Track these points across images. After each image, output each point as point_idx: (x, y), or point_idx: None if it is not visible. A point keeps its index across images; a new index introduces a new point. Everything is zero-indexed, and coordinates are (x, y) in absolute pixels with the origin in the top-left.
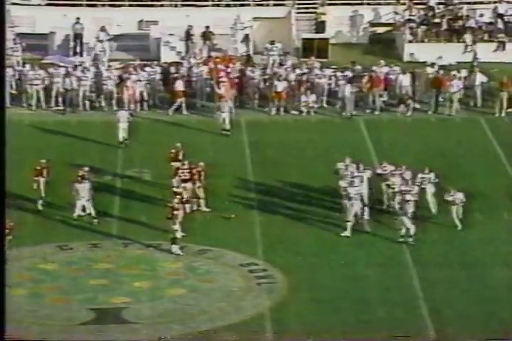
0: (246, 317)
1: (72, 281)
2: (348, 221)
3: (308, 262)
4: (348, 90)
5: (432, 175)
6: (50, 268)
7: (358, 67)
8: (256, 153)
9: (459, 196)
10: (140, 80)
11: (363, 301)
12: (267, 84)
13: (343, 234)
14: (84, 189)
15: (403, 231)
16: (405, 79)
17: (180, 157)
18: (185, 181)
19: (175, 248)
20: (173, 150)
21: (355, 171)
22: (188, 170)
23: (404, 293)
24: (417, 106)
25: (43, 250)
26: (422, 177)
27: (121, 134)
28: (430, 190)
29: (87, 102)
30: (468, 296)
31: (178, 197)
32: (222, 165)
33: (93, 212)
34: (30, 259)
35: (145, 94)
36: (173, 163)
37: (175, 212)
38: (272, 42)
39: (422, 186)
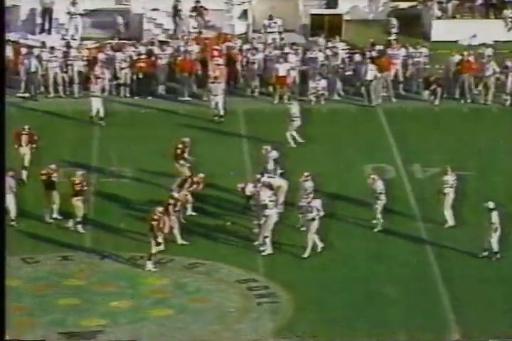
0: None
1: (39, 300)
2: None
3: (317, 278)
4: (371, 74)
5: (451, 177)
6: (13, 284)
7: (379, 48)
8: (255, 149)
9: None
10: (125, 61)
11: (382, 323)
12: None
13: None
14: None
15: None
16: (453, 62)
17: (187, 154)
18: (77, 194)
19: (148, 264)
20: (180, 146)
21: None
22: (79, 183)
23: (431, 314)
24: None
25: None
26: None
27: (95, 109)
28: (449, 196)
29: (61, 88)
30: (508, 318)
31: (169, 206)
32: (216, 162)
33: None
34: None
35: (128, 78)
36: (177, 165)
37: (153, 223)
38: (271, 18)
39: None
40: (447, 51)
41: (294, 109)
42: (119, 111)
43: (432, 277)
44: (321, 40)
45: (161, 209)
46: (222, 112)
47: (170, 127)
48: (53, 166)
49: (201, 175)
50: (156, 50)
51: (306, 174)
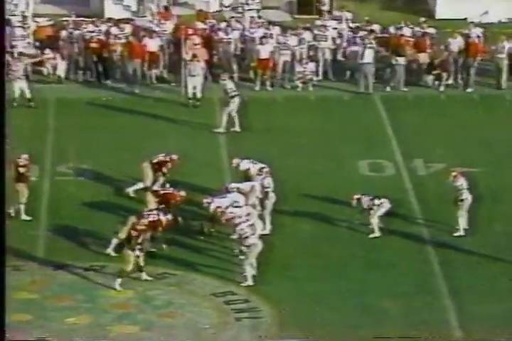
0: None
1: None
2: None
3: (307, 290)
4: (368, 57)
5: (463, 182)
6: None
7: (375, 27)
8: (234, 142)
9: None
10: (84, 40)
11: None
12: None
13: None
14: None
15: None
16: (455, 43)
17: (166, 170)
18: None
19: (118, 281)
20: (162, 158)
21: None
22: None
23: (436, 331)
24: (450, 81)
25: None
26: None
27: (17, 91)
28: (467, 201)
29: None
30: None
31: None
32: (189, 158)
33: None
34: None
35: (88, 61)
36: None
37: (133, 233)
38: None
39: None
40: (455, 30)
41: (230, 84)
42: (76, 98)
43: (437, 289)
44: (347, 14)
45: (146, 221)
46: (199, 95)
47: (135, 117)
48: (26, 156)
49: (182, 193)
50: (114, 29)
51: (262, 168)
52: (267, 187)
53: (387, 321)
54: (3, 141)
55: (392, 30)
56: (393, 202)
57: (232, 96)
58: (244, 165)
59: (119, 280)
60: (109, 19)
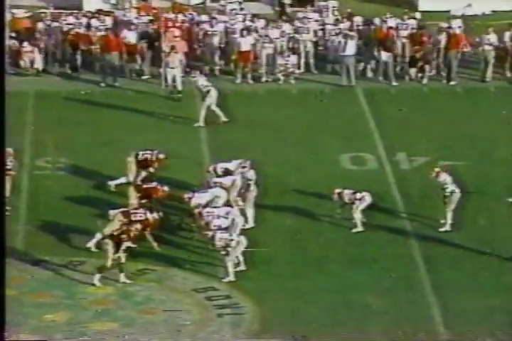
0: None
1: None
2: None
3: (288, 286)
4: (350, 49)
5: (447, 178)
6: None
7: (358, 19)
8: (215, 137)
9: None
10: (63, 32)
11: (363, 338)
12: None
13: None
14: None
15: None
16: (438, 36)
17: (153, 169)
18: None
19: (97, 277)
20: (149, 156)
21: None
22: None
23: (420, 328)
24: (432, 72)
25: None
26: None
27: None
28: (456, 195)
29: None
30: (508, 333)
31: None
32: (168, 153)
33: None
34: None
35: (67, 53)
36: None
37: (124, 238)
38: None
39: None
40: (437, 22)
41: (200, 80)
42: (54, 91)
43: (420, 285)
44: (333, 2)
45: (139, 226)
46: (180, 87)
47: (114, 111)
48: (9, 150)
49: (166, 188)
50: (94, 21)
51: (241, 163)
52: (250, 180)
53: (370, 317)
54: (3, 141)
55: (377, 22)
56: (376, 196)
57: (208, 91)
58: (221, 166)
59: (98, 276)
60: (99, 10)
